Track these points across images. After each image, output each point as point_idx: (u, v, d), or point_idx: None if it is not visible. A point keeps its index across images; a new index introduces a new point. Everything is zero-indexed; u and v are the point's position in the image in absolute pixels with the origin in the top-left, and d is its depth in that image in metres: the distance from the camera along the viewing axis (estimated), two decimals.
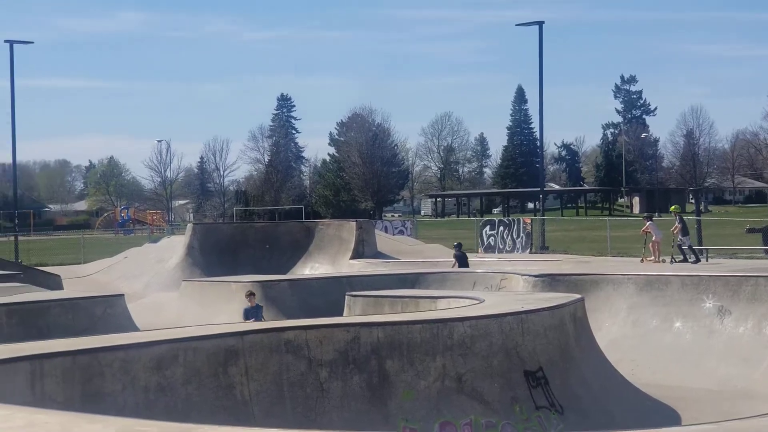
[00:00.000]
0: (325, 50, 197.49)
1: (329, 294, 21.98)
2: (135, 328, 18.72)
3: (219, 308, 21.99)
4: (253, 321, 17.75)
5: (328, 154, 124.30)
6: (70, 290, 26.35)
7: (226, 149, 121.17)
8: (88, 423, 6.85)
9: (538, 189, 58.04)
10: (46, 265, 38.20)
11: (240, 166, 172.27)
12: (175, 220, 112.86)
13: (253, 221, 73.13)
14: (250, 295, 19.81)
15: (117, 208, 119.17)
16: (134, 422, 6.95)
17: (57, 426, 6.71)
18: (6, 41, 42.17)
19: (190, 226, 37.45)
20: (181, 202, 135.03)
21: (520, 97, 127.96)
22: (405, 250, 37.22)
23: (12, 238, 44.72)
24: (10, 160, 55.38)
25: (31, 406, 8.67)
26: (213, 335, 12.18)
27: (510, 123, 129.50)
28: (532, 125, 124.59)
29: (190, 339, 11.82)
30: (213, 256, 33.88)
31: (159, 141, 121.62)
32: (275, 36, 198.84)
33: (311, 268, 34.51)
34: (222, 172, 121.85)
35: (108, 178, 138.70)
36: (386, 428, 12.16)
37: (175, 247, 36.33)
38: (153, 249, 39.65)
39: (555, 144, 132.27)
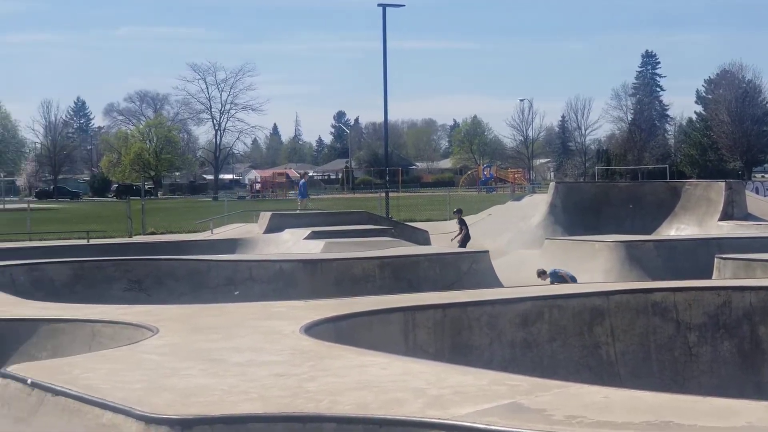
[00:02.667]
0: (691, 3, 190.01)
1: (696, 256, 21.28)
2: (499, 284, 19.04)
3: (581, 267, 21.88)
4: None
5: (695, 113, 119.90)
6: (437, 245, 27.26)
7: (588, 108, 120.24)
8: (461, 374, 7.04)
9: None
10: (414, 220, 39.74)
11: (602, 125, 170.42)
12: (536, 179, 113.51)
13: (615, 181, 72.10)
14: (542, 274, 19.71)
15: (480, 166, 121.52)
16: (504, 376, 7.06)
17: (431, 376, 6.94)
18: (379, 5, 43.98)
19: (552, 184, 37.47)
20: (542, 160, 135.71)
21: None
22: None
23: (383, 195, 46.88)
24: (381, 120, 57.85)
25: (404, 355, 9.07)
26: (578, 294, 12.15)
27: None
28: None
29: (556, 297, 11.86)
30: (575, 215, 33.73)
31: (521, 100, 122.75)
32: None
33: (677, 229, 33.51)
34: (583, 131, 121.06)
35: (471, 136, 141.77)
36: (758, 397, 11.63)
37: (537, 205, 36.54)
38: (515, 207, 40.11)
39: None
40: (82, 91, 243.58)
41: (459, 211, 28.83)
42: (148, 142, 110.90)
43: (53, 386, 7.09)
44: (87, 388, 6.92)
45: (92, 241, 28.35)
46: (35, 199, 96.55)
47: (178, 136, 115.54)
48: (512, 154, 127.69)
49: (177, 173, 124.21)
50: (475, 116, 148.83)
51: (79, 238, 29.92)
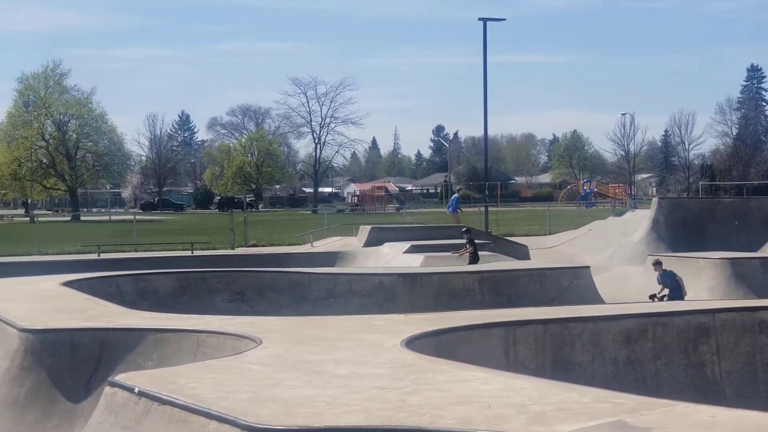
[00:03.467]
0: None
1: None
2: (600, 301, 18.82)
3: (686, 284, 21.49)
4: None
5: None
6: (536, 260, 27.04)
7: (691, 122, 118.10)
8: (564, 391, 6.98)
9: None
10: (513, 235, 39.50)
11: (706, 139, 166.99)
12: (638, 194, 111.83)
13: (719, 196, 70.66)
14: (657, 264, 19.93)
15: (579, 180, 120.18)
16: (609, 394, 6.98)
17: (534, 392, 6.90)
18: (479, 19, 43.84)
19: (655, 200, 36.88)
20: (644, 175, 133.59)
21: None
22: None
23: (482, 209, 46.71)
24: (480, 134, 57.65)
25: (504, 370, 9.03)
26: (683, 311, 11.94)
27: None
28: None
29: (660, 314, 11.69)
30: (679, 232, 33.14)
31: (623, 114, 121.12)
32: (737, 5, 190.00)
33: None
34: (687, 146, 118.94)
35: (571, 151, 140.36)
36: None
37: (639, 221, 35.99)
38: (617, 222, 39.56)
39: None
40: (186, 105, 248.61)
41: (468, 231, 27.01)
42: (249, 155, 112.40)
43: (160, 395, 7.24)
44: (193, 397, 7.05)
45: (196, 253, 28.86)
46: (140, 211, 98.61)
47: (279, 149, 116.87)
48: (613, 169, 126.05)
49: (277, 186, 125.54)
50: (575, 130, 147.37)
51: (183, 250, 30.46)
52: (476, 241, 26.03)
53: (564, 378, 9.55)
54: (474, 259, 24.98)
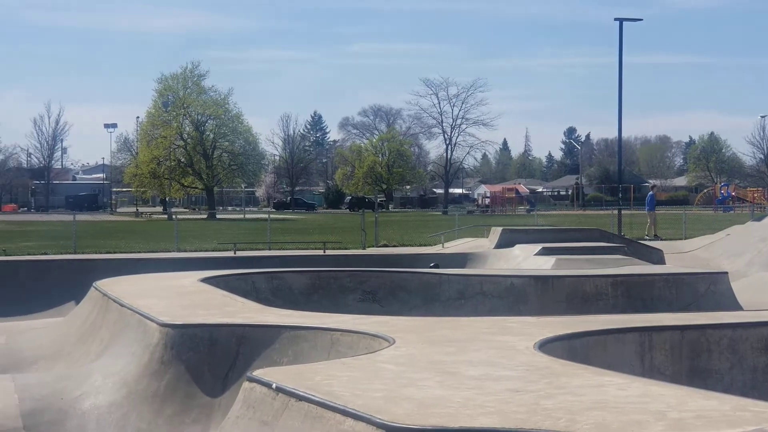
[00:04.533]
0: None
1: None
2: (738, 307, 18.33)
3: None
4: None
5: None
6: (671, 265, 26.52)
7: None
8: (703, 398, 6.84)
9: None
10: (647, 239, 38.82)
11: None
12: None
13: None
14: None
15: (717, 184, 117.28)
16: (750, 402, 6.80)
17: (672, 399, 6.78)
18: (615, 19, 43.28)
19: None
20: None
21: None
22: None
23: (614, 212, 46.04)
24: (613, 136, 56.79)
25: (639, 376, 8.89)
26: None
27: None
28: None
29: None
30: None
31: (762, 117, 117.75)
32: None
33: None
34: None
35: (708, 154, 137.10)
36: None
37: None
38: (756, 227, 38.43)
39: None
40: (318, 106, 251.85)
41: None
42: (380, 155, 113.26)
43: (297, 391, 7.37)
44: (329, 394, 7.16)
45: (328, 252, 29.21)
46: (273, 210, 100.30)
47: (410, 150, 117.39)
48: (751, 173, 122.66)
49: (407, 187, 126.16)
50: (712, 132, 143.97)
51: (315, 249, 30.87)
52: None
53: (701, 385, 9.36)
54: None
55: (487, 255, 28.98)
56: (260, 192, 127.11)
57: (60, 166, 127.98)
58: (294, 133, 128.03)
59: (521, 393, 7.13)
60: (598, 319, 12.25)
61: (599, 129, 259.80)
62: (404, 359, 8.86)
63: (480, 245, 31.22)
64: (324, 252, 29.34)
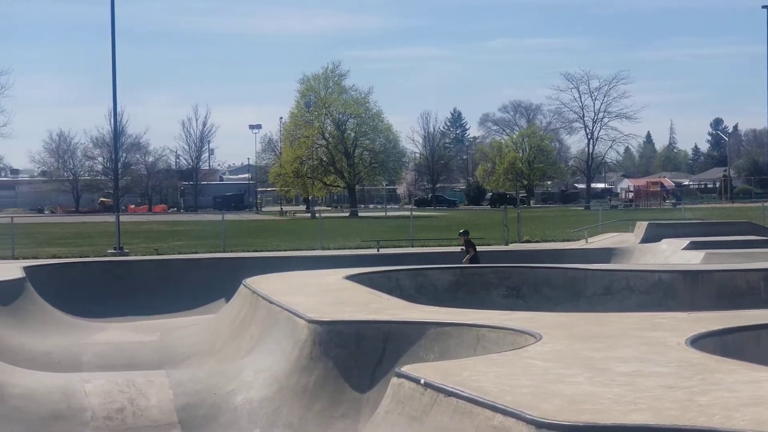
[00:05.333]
0: None
1: None
2: None
3: None
4: None
5: None
6: None
7: None
8: None
9: None
10: None
11: None
12: None
13: None
14: None
15: None
16: None
17: None
18: (763, 7, 42.05)
19: None
20: None
21: None
22: None
23: (766, 204, 44.75)
24: (761, 126, 55.13)
25: None
26: None
27: None
28: None
29: None
30: None
31: None
32: None
33: None
34: None
35: None
36: None
37: None
38: None
39: None
40: (458, 102, 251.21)
41: (465, 233, 25.89)
42: (521, 151, 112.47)
43: (445, 387, 7.41)
44: (477, 390, 7.17)
45: None
46: (414, 207, 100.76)
47: (551, 145, 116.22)
48: None
49: (548, 182, 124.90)
50: None
51: (457, 246, 30.90)
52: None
53: None
54: (474, 261, 23.80)
55: (633, 250, 28.50)
56: (401, 189, 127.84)
57: (207, 167, 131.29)
58: (434, 130, 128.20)
59: (674, 389, 7.00)
60: (750, 314, 11.91)
61: (747, 120, 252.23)
62: (552, 355, 8.80)
63: (625, 240, 30.72)
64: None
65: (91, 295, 22.64)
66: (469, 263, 23.33)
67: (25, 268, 21.88)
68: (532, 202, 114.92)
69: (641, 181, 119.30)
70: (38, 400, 11.59)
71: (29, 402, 11.50)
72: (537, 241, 34.82)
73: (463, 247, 25.37)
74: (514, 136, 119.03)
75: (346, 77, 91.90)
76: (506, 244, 32.74)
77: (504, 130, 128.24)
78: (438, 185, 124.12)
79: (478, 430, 6.71)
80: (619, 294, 18.33)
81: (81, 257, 28.18)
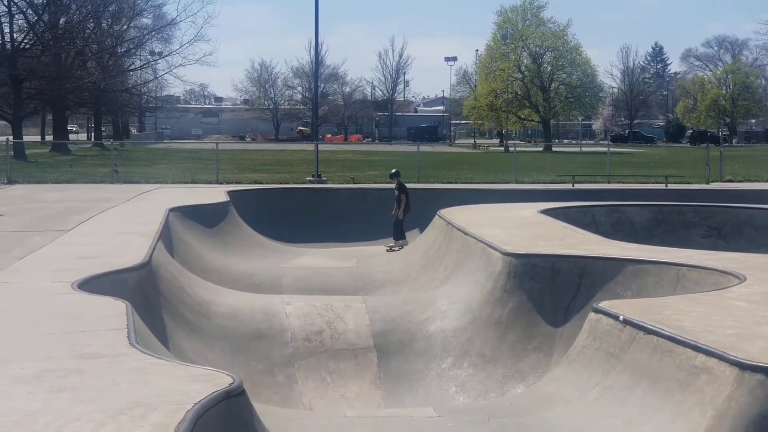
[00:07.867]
0: None
1: None
2: None
3: None
4: None
5: None
6: None
7: None
8: None
9: None
10: None
11: None
12: None
13: None
14: None
15: None
16: None
17: None
18: None
19: None
20: None
21: None
22: None
23: None
24: None
25: None
26: None
27: None
28: None
29: None
30: None
31: None
32: None
33: None
34: None
35: None
36: None
37: None
38: None
39: None
40: (659, 37, 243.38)
41: (396, 174, 21.44)
42: (724, 88, 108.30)
43: (645, 325, 7.30)
44: (678, 329, 7.03)
45: (670, 186, 28.46)
46: (611, 143, 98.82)
47: (757, 82, 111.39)
48: None
49: (753, 121, 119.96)
50: None
51: (656, 183, 30.17)
52: None
53: None
54: (405, 212, 20.53)
55: None
56: (597, 125, 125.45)
57: (402, 99, 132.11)
58: (633, 65, 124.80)
59: None
60: None
61: None
62: (757, 297, 8.53)
63: None
64: (666, 186, 28.62)
65: (290, 221, 23.29)
66: (401, 215, 20.70)
67: (229, 193, 22.68)
68: (734, 140, 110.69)
69: None
70: (241, 319, 12.08)
71: (233, 321, 12.00)
72: (740, 181, 33.54)
73: (397, 193, 21.22)
74: (718, 71, 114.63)
75: (544, 9, 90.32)
76: (707, 183, 31.70)
77: (707, 66, 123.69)
78: (636, 121, 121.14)
79: (678, 369, 6.60)
80: None
81: (281, 183, 28.93)
